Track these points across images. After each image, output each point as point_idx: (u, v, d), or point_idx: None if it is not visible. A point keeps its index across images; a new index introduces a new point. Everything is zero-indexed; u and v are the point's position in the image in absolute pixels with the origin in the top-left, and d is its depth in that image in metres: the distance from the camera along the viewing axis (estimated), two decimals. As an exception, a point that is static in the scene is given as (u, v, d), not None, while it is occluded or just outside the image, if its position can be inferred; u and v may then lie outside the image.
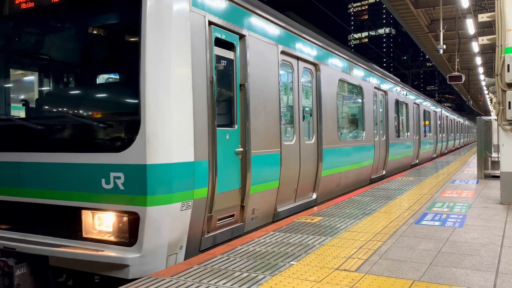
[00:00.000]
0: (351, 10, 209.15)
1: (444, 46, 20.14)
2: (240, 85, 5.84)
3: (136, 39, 4.49)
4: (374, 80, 12.18)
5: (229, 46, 5.66)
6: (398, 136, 14.83)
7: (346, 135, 10.38)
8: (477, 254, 4.45)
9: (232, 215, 5.67)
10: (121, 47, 5.23)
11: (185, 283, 3.77)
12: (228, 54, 5.64)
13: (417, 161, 17.79)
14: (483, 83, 30.83)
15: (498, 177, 8.83)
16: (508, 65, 7.13)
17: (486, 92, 36.13)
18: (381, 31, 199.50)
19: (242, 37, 5.88)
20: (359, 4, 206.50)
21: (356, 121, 11.23)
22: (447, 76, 23.97)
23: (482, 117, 12.37)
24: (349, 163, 9.84)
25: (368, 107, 11.48)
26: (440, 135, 24.27)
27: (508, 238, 5.07)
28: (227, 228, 5.57)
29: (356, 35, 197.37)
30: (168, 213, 4.42)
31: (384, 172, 13.04)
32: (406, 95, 16.37)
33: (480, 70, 27.99)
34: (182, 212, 4.60)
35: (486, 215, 6.43)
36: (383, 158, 12.93)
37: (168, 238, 4.46)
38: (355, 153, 10.26)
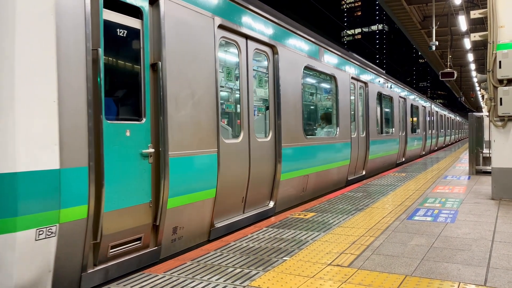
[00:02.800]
0: (344, 6, 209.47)
1: (437, 43, 20.27)
2: (152, 65, 4.46)
3: None
4: (351, 70, 10.84)
5: (133, 11, 4.29)
6: (381, 133, 13.75)
7: (315, 132, 9.31)
8: (469, 249, 4.49)
9: (139, 239, 4.34)
10: None
11: (178, 279, 3.76)
12: (131, 22, 4.26)
13: (403, 159, 16.97)
14: (475, 80, 31.09)
15: (489, 173, 8.89)
16: (500, 62, 7.17)
17: (478, 88, 36.39)
18: (374, 27, 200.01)
19: (154, 1, 4.50)
20: (352, 0, 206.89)
21: (328, 116, 9.99)
22: (440, 73, 24.10)
23: (473, 113, 12.44)
24: (319, 164, 8.56)
25: (344, 100, 10.07)
26: (430, 131, 23.73)
27: (499, 233, 5.11)
28: (130, 256, 4.23)
29: (350, 32, 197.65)
30: (10, 245, 3.16)
31: (364, 173, 11.88)
32: (391, 88, 15.27)
33: (472, 66, 28.19)
34: (39, 242, 3.33)
35: (477, 211, 6.48)
36: (363, 157, 11.75)
37: (14, 280, 3.21)
38: (326, 152, 8.97)
